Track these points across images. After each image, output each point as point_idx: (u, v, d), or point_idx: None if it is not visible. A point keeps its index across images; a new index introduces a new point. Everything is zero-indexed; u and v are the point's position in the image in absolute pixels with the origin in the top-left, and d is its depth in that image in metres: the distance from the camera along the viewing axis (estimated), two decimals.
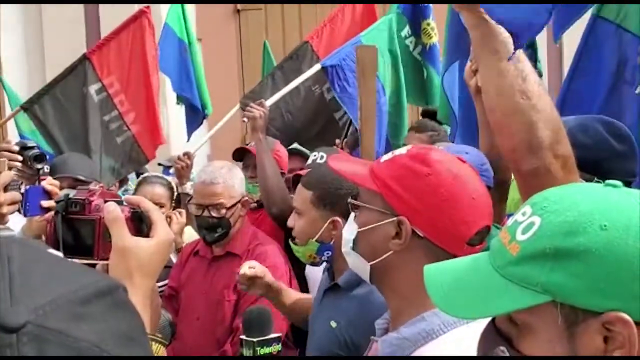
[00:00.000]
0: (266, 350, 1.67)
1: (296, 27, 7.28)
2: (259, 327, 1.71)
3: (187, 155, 3.44)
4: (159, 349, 1.02)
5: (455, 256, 1.19)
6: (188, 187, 3.28)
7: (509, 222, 0.85)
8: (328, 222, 1.95)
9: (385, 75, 3.69)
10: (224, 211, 2.61)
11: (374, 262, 1.24)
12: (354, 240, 1.28)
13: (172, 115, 5.62)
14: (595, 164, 1.28)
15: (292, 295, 2.17)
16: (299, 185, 2.05)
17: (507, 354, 0.82)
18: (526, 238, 0.80)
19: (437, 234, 1.19)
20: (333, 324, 1.91)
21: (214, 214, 2.61)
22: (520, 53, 1.23)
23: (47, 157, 2.48)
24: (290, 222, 2.06)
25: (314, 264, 2.08)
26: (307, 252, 2.00)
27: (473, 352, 1.15)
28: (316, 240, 1.96)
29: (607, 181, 0.82)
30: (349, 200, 1.32)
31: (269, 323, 1.73)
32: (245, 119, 3.34)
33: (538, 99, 1.21)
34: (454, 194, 1.18)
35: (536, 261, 0.78)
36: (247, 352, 1.66)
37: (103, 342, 0.53)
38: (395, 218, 1.21)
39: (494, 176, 2.15)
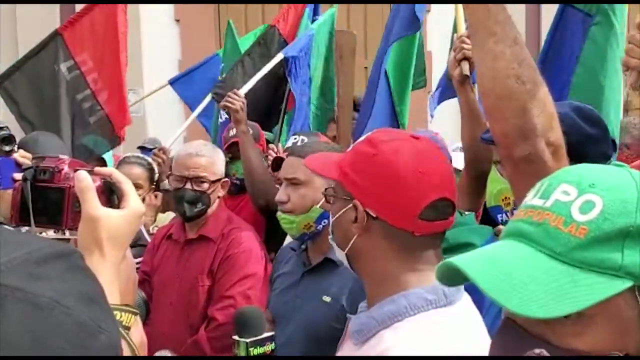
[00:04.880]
0: (260, 350, 1.67)
1: (275, 9, 7.20)
2: (251, 327, 1.70)
3: (163, 150, 3.38)
4: (130, 319, 0.98)
5: (411, 234, 1.20)
6: (167, 183, 3.22)
7: (545, 203, 0.76)
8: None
9: (317, 65, 3.77)
10: (206, 185, 2.57)
11: (346, 249, 1.28)
12: (332, 230, 1.33)
13: (150, 96, 5.53)
14: (569, 149, 1.28)
15: None
16: (294, 158, 2.06)
17: (547, 354, 0.73)
18: (592, 218, 0.72)
19: (387, 211, 1.22)
20: (326, 298, 1.95)
21: (196, 188, 2.56)
22: (519, 37, 1.21)
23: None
24: (282, 196, 2.05)
25: (303, 237, 2.07)
26: (306, 220, 2.02)
27: (442, 335, 1.14)
28: (320, 207, 2.00)
29: (614, 162, 0.79)
30: (323, 191, 1.36)
31: (260, 323, 1.73)
32: (223, 110, 3.28)
33: (533, 85, 1.19)
34: (397, 170, 1.20)
35: (613, 242, 0.71)
36: (240, 353, 1.65)
37: (63, 299, 0.53)
38: (351, 203, 1.24)
39: (475, 167, 2.14)
